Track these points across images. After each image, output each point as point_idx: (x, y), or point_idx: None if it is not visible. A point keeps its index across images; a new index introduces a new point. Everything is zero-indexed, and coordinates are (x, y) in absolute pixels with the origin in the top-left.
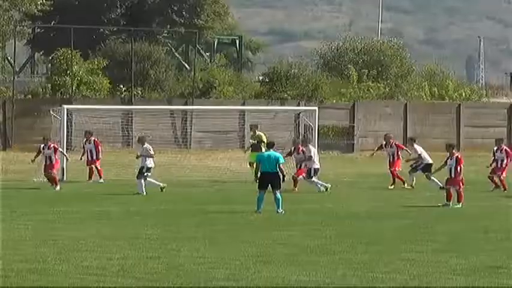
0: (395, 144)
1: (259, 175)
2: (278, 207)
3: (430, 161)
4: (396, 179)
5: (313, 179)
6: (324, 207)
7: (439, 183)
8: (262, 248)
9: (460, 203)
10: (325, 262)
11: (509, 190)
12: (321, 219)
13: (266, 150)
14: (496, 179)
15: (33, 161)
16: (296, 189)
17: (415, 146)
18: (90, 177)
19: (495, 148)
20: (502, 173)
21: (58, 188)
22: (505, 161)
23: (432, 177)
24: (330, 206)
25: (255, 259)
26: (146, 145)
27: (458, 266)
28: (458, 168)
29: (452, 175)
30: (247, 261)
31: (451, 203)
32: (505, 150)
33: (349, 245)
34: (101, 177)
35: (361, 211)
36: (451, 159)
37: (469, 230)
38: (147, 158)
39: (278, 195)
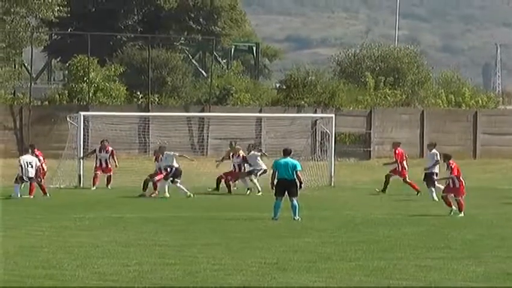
0: (242, 156)
1: (275, 182)
2: (295, 215)
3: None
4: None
5: None
6: (340, 214)
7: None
8: (279, 255)
9: (462, 212)
10: (341, 269)
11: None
12: (337, 226)
13: (282, 157)
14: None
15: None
16: None
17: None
18: (108, 183)
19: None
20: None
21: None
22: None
23: (254, 180)
24: (346, 213)
25: (271, 266)
26: None
27: (474, 273)
28: (460, 178)
29: (456, 185)
30: (264, 268)
31: (453, 209)
32: (395, 152)
33: (365, 251)
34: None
35: (377, 218)
36: (451, 171)
37: (485, 237)
38: None
39: (295, 202)
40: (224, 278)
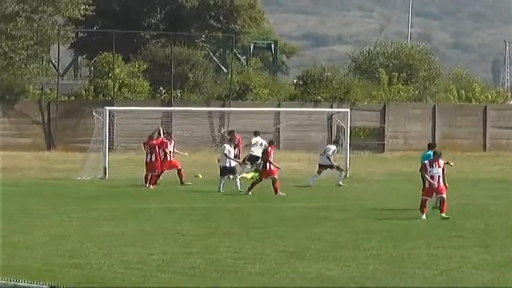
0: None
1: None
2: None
3: (255, 154)
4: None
5: None
6: (356, 204)
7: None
8: (296, 244)
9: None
10: (356, 257)
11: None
12: (352, 216)
13: (427, 151)
14: None
15: None
16: None
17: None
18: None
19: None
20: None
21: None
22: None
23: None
24: (361, 204)
25: (289, 254)
26: None
27: (485, 261)
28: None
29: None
30: (282, 257)
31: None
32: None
33: (380, 240)
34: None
35: (391, 208)
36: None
37: (495, 226)
38: None
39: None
40: (244, 266)
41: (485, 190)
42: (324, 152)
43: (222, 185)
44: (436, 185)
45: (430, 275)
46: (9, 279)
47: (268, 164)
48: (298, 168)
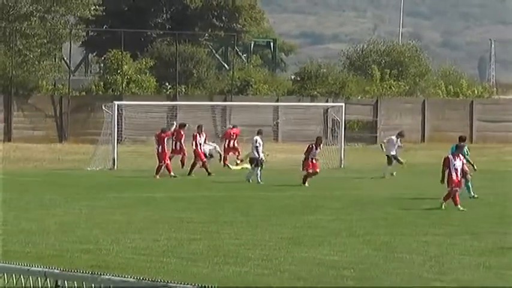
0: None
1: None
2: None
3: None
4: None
5: None
6: (350, 193)
7: None
8: (294, 231)
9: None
10: (351, 243)
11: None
12: (347, 204)
13: (459, 143)
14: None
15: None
16: None
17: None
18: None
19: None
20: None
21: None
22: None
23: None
24: (354, 193)
25: (287, 241)
26: None
27: (472, 247)
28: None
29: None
30: (280, 243)
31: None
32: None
33: (373, 227)
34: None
35: (383, 197)
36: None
37: (484, 215)
38: None
39: (468, 183)
40: (244, 252)
41: (472, 180)
42: (388, 141)
43: (259, 176)
44: (460, 177)
45: (420, 260)
46: (23, 264)
47: (309, 158)
48: (297, 158)
